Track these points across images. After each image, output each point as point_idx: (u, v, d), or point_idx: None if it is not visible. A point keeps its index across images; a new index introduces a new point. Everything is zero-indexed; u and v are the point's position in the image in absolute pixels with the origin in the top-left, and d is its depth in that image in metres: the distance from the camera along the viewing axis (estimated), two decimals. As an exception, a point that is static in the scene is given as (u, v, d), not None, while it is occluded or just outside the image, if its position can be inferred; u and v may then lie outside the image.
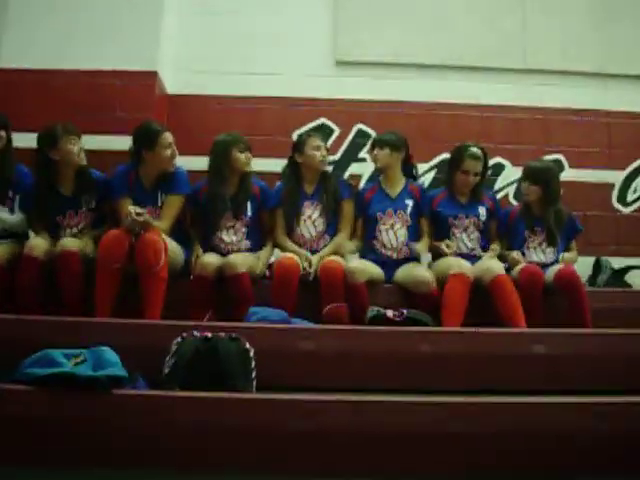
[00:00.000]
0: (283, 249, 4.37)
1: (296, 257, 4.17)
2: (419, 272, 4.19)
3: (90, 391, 2.70)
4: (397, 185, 4.54)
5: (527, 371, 3.43)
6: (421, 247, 4.36)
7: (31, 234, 4.21)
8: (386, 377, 3.38)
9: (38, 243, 3.97)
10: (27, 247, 3.93)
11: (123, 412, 2.74)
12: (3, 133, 4.14)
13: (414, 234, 4.45)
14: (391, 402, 2.89)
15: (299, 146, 4.48)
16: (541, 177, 4.44)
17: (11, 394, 2.72)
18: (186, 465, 2.64)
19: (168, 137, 4.21)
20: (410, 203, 4.48)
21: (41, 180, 4.16)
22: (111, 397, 2.74)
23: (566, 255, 4.44)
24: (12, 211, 4.18)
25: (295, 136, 5.02)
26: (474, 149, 4.45)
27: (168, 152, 4.19)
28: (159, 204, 4.23)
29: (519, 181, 4.65)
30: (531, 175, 4.46)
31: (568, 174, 5.38)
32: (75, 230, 4.20)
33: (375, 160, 4.55)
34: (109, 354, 2.88)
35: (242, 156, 4.33)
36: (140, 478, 2.55)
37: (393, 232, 4.42)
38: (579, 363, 3.46)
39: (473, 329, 3.69)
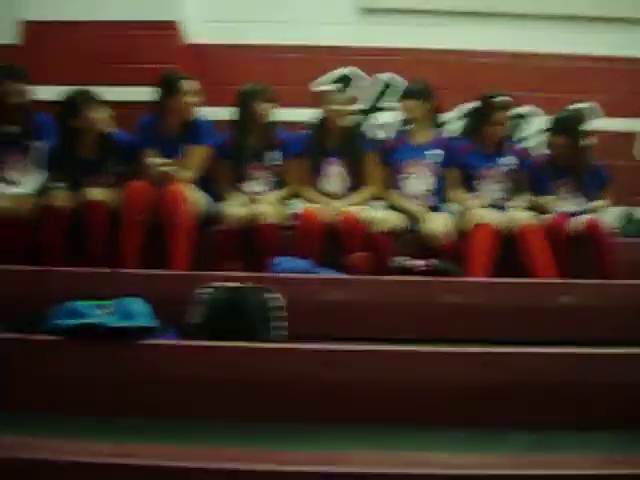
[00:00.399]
0: (307, 199, 4.37)
1: (318, 208, 4.16)
2: (431, 225, 4.14)
3: (119, 340, 2.75)
4: (424, 135, 4.49)
5: (553, 322, 3.42)
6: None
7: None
8: (409, 327, 3.39)
9: (62, 194, 3.98)
10: (51, 197, 3.94)
11: (152, 361, 2.78)
12: (23, 87, 4.16)
13: (439, 184, 4.42)
14: (414, 352, 2.89)
15: (321, 100, 4.46)
16: (564, 127, 4.39)
17: (41, 344, 2.76)
18: (216, 414, 2.67)
19: (189, 84, 4.20)
20: (436, 153, 4.44)
21: (63, 145, 4.18)
22: (140, 346, 2.78)
23: (592, 204, 4.36)
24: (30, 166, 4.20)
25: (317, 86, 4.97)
26: (502, 99, 4.38)
27: (189, 99, 4.18)
28: (183, 154, 4.22)
29: (548, 129, 4.57)
30: (555, 125, 4.41)
31: (600, 123, 5.26)
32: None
33: (403, 110, 4.51)
34: (138, 304, 2.92)
35: (264, 107, 4.32)
36: (171, 427, 2.58)
37: (418, 181, 4.39)
38: (604, 314, 3.45)
39: (495, 279, 3.68)
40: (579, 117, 4.60)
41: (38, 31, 4.86)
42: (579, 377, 2.77)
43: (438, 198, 4.41)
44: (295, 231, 4.05)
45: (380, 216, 4.14)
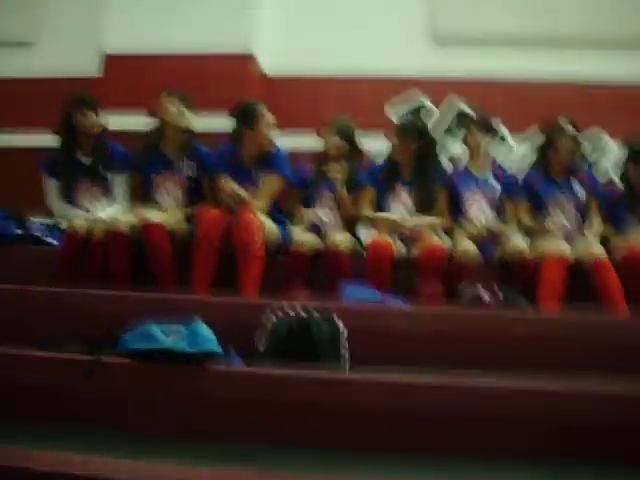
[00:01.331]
0: (372, 222, 4.38)
1: (389, 238, 4.16)
2: (519, 242, 4.14)
3: (187, 365, 2.78)
4: (482, 166, 4.51)
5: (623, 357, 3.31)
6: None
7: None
8: (480, 359, 3.33)
9: (127, 218, 4.10)
10: (115, 223, 4.05)
11: (218, 386, 2.81)
12: (96, 117, 4.37)
13: (500, 214, 4.43)
14: (488, 387, 2.84)
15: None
16: None
17: (114, 367, 2.82)
18: (281, 441, 2.67)
19: (268, 115, 4.27)
20: (495, 184, 4.46)
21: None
22: (206, 371, 2.81)
23: None
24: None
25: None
26: (567, 127, 4.36)
27: (266, 130, 4.25)
28: (258, 183, 4.31)
29: (625, 161, 4.48)
30: (635, 155, 4.30)
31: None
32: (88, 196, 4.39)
33: (468, 142, 4.53)
34: (204, 330, 2.93)
35: (330, 140, 4.41)
36: (235, 452, 2.60)
37: (479, 212, 4.40)
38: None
39: (569, 313, 3.62)
40: None
41: (118, 64, 5.04)
42: None
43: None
44: (366, 261, 4.06)
45: (469, 249, 4.10)
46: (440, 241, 4.14)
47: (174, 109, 4.34)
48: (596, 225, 4.36)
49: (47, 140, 4.65)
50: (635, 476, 2.52)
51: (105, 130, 4.47)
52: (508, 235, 4.23)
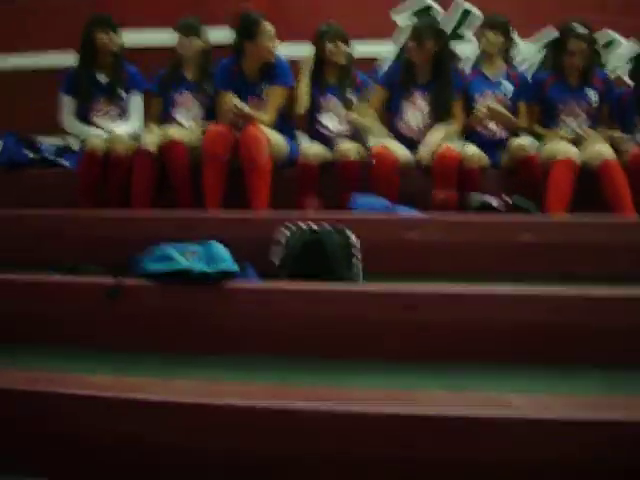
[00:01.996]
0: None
1: (392, 146, 4.13)
2: (518, 140, 4.17)
3: (204, 284, 2.88)
4: (497, 67, 4.46)
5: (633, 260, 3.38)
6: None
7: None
8: (489, 266, 3.41)
9: (152, 138, 4.12)
10: (142, 141, 4.10)
11: (235, 303, 2.92)
12: (113, 35, 4.36)
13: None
14: (489, 295, 2.93)
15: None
16: None
17: (132, 289, 2.92)
18: (294, 352, 2.80)
19: (268, 26, 4.23)
20: (509, 86, 4.42)
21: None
22: (223, 290, 2.91)
23: None
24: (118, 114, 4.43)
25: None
26: (579, 28, 4.25)
27: (269, 42, 4.22)
28: (263, 96, 4.29)
29: (634, 61, 4.41)
30: None
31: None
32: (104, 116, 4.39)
33: (482, 42, 4.47)
34: (220, 249, 3.02)
35: (331, 46, 4.34)
36: (251, 364, 2.73)
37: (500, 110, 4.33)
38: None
39: (575, 219, 3.69)
40: None
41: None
42: None
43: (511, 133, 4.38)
44: (371, 170, 4.06)
45: (477, 152, 4.11)
46: (453, 147, 4.12)
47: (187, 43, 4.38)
48: (606, 128, 4.33)
49: (52, 60, 4.66)
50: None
51: (122, 50, 4.46)
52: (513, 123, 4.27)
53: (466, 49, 5.09)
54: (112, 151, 4.06)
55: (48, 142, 4.66)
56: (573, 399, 2.40)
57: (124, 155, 4.06)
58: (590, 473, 2.10)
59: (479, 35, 4.55)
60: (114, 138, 4.12)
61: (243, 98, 4.20)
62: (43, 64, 5.16)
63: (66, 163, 4.46)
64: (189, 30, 4.42)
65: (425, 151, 4.16)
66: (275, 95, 4.28)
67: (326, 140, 4.34)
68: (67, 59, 4.65)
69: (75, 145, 4.49)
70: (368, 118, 4.35)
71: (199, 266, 2.91)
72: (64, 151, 4.58)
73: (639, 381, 2.59)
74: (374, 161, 4.08)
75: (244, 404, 2.21)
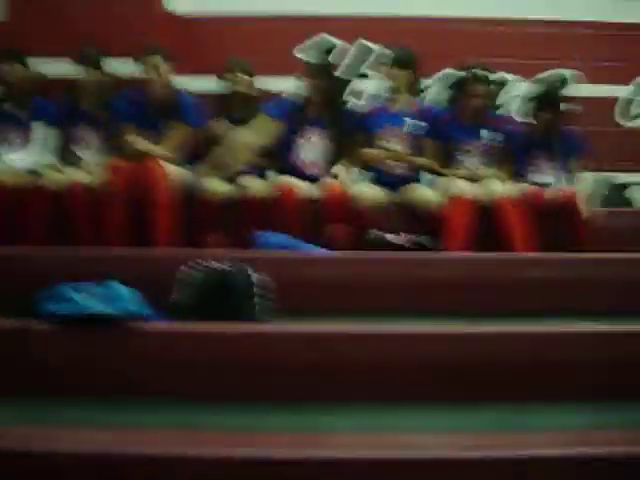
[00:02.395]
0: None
1: (293, 183, 4.21)
2: (424, 193, 4.25)
3: (105, 326, 2.82)
4: (402, 102, 4.55)
5: (523, 295, 3.53)
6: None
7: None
8: (386, 301, 3.49)
9: (54, 176, 4.05)
10: (45, 179, 4.02)
11: (137, 345, 2.87)
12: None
13: (415, 153, 4.49)
14: (395, 334, 2.99)
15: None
16: (547, 101, 4.46)
17: (33, 332, 2.83)
18: (195, 396, 2.76)
19: (153, 60, 4.25)
20: (411, 121, 4.49)
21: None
22: (125, 331, 2.85)
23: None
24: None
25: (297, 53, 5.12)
26: (477, 71, 4.44)
27: (167, 78, 4.28)
28: (163, 129, 4.29)
29: (527, 102, 4.61)
30: (538, 101, 4.46)
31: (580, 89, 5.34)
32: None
33: (388, 78, 4.55)
34: (121, 289, 2.97)
35: (234, 76, 4.42)
36: (157, 407, 2.68)
37: (395, 149, 4.45)
38: (576, 286, 3.56)
39: (465, 255, 3.84)
40: (560, 88, 4.72)
41: (24, 7, 4.84)
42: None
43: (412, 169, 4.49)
44: (274, 206, 4.10)
45: (365, 191, 4.20)
46: (341, 184, 4.21)
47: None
48: (503, 167, 4.50)
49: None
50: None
51: (30, 79, 4.41)
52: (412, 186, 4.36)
53: (369, 85, 5.22)
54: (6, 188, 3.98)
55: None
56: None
57: (12, 188, 3.98)
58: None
59: (384, 70, 4.62)
60: (14, 174, 4.05)
61: (145, 132, 4.20)
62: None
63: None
64: (89, 61, 4.35)
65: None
66: (176, 131, 4.29)
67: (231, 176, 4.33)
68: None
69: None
70: None
71: (97, 306, 2.85)
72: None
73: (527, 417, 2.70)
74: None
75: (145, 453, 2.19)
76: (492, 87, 4.58)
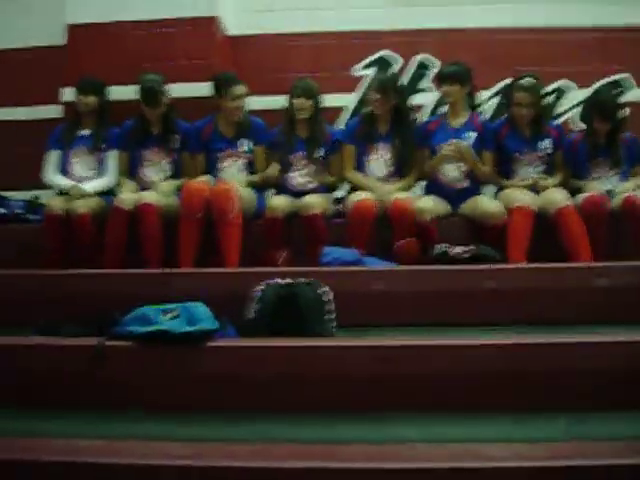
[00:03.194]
0: (355, 183, 4.53)
1: (372, 198, 4.29)
2: (487, 205, 4.29)
3: (185, 345, 2.95)
4: (461, 117, 4.59)
5: (591, 304, 3.55)
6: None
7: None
8: (453, 313, 3.56)
9: (128, 196, 4.21)
10: (117, 200, 4.18)
11: (216, 362, 2.99)
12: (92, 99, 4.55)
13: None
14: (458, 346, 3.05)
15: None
16: (613, 113, 4.44)
17: (114, 351, 2.98)
18: (273, 409, 2.87)
19: (237, 89, 4.42)
20: (472, 135, 4.53)
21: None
22: (204, 349, 2.98)
23: (626, 185, 4.41)
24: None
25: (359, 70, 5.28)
26: (523, 81, 4.47)
27: (234, 103, 4.42)
28: (239, 149, 4.49)
29: (585, 110, 4.62)
30: (604, 112, 4.43)
31: (633, 94, 5.34)
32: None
33: (443, 94, 4.60)
34: (201, 308, 3.11)
35: (296, 102, 4.49)
36: (229, 420, 2.80)
37: (455, 162, 4.50)
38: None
39: (535, 265, 3.84)
40: (617, 96, 4.71)
41: (81, 33, 5.01)
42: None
43: (472, 181, 4.53)
44: (349, 220, 4.22)
45: (429, 205, 4.26)
46: (403, 198, 4.27)
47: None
48: (560, 176, 4.52)
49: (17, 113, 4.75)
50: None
51: (105, 108, 4.63)
52: (476, 198, 4.41)
53: (426, 98, 5.32)
54: (72, 211, 4.15)
55: (17, 197, 4.73)
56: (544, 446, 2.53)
57: (85, 213, 4.15)
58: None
59: (442, 88, 4.65)
60: (75, 197, 4.24)
61: (220, 153, 4.47)
62: (6, 117, 5.22)
63: (36, 217, 4.52)
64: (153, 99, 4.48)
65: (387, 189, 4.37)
66: (257, 155, 4.51)
67: (294, 194, 4.46)
68: (30, 113, 4.84)
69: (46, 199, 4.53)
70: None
71: (180, 326, 2.99)
72: (33, 206, 4.64)
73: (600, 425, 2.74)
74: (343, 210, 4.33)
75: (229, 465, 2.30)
76: (543, 95, 4.56)
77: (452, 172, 4.51)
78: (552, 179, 4.47)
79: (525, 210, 4.14)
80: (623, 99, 4.86)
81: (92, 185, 4.40)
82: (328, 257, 3.93)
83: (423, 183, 4.66)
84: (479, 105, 4.77)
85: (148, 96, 4.44)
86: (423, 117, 5.15)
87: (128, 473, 2.34)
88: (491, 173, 4.53)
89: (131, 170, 4.56)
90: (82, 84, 4.57)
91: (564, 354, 2.95)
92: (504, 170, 4.55)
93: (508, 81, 4.76)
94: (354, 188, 4.55)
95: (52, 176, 4.49)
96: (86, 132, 4.59)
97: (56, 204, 4.18)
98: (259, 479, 2.34)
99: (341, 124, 5.09)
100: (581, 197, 4.28)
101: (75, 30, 5.03)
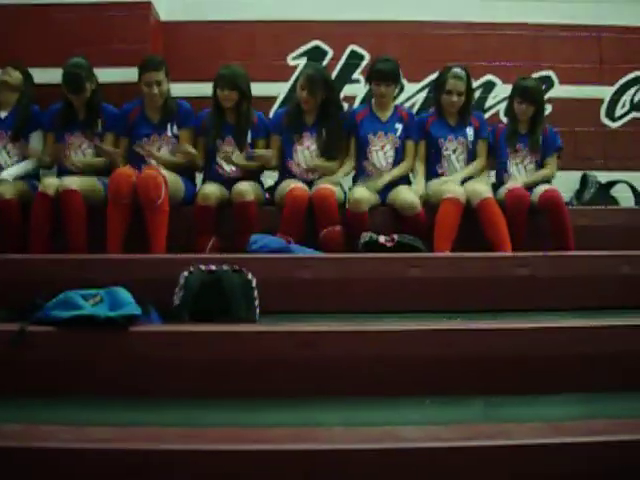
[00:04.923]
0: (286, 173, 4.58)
1: (305, 187, 4.34)
2: (405, 195, 4.37)
3: (108, 329, 2.94)
4: (388, 109, 4.69)
5: (511, 293, 3.66)
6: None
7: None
8: (378, 301, 3.62)
9: (51, 181, 4.15)
10: (41, 185, 4.13)
11: (139, 346, 2.99)
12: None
13: (402, 156, 4.65)
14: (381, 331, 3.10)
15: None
16: (536, 97, 4.59)
17: (37, 336, 2.94)
18: (196, 394, 2.88)
19: (149, 76, 4.39)
20: (399, 127, 4.65)
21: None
22: (127, 334, 2.97)
23: (541, 173, 4.61)
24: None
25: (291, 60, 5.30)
26: (456, 69, 4.57)
27: (147, 89, 4.40)
28: (167, 133, 4.48)
29: (510, 99, 4.76)
30: (527, 95, 4.57)
31: (557, 91, 5.50)
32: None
33: (376, 93, 4.63)
34: (123, 293, 3.10)
35: (222, 94, 4.48)
36: (159, 406, 2.81)
37: (383, 153, 4.61)
38: (561, 284, 3.69)
39: (457, 254, 3.95)
40: (541, 85, 4.89)
41: (13, 15, 4.92)
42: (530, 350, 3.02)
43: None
44: (281, 209, 4.25)
45: (365, 195, 4.31)
46: (331, 187, 4.33)
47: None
48: (481, 165, 4.67)
49: None
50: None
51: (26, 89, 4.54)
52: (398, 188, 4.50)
53: (357, 89, 5.39)
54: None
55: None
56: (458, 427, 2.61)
57: (11, 198, 4.10)
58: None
59: (370, 85, 4.71)
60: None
61: (146, 138, 4.47)
62: None
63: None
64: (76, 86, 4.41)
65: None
66: (182, 138, 4.48)
67: (223, 181, 4.47)
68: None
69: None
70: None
71: (103, 311, 2.98)
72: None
73: (516, 408, 2.84)
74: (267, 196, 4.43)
75: (154, 448, 2.32)
76: (470, 86, 4.65)
77: (381, 161, 4.60)
78: (472, 167, 4.62)
79: (455, 201, 4.23)
80: (547, 95, 5.00)
81: (10, 172, 4.32)
82: (256, 244, 3.95)
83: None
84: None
85: (71, 83, 4.37)
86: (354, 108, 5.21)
87: (51, 456, 2.32)
88: (411, 166, 4.67)
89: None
90: (11, 62, 4.48)
91: (481, 340, 3.02)
92: (431, 158, 4.66)
93: (435, 75, 4.84)
94: (282, 177, 4.60)
95: None
96: (3, 114, 4.50)
97: None
98: (184, 462, 2.34)
99: (272, 113, 5.10)
100: (503, 189, 4.42)
101: (4, 11, 4.95)
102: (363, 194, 4.31)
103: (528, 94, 4.58)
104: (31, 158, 4.46)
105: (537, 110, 4.60)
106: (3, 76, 4.47)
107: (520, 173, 4.61)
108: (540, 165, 4.66)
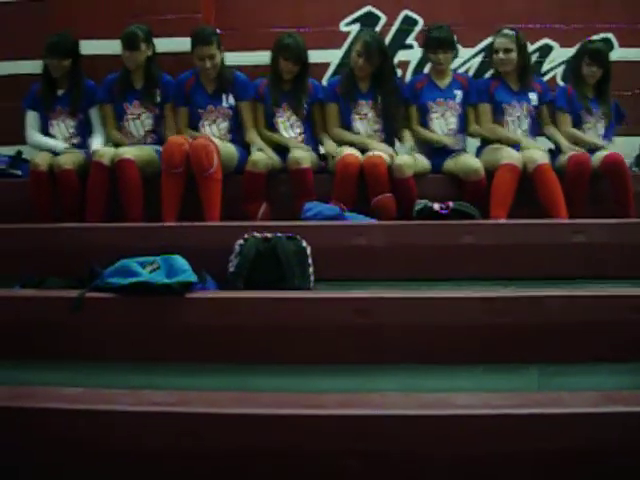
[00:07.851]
0: (340, 141, 4.52)
1: (358, 154, 4.29)
2: (469, 161, 4.33)
3: (165, 296, 3.00)
4: (446, 76, 4.65)
5: (567, 260, 3.61)
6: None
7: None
8: (431, 269, 3.61)
9: (106, 151, 4.21)
10: (96, 154, 4.17)
11: (195, 313, 3.04)
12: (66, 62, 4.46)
13: (463, 123, 4.60)
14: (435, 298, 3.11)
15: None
16: (605, 61, 4.52)
17: (95, 302, 3.02)
18: (252, 360, 2.95)
19: (201, 50, 4.36)
20: (459, 93, 4.60)
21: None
22: (183, 301, 3.03)
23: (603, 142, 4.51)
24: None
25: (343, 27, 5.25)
26: (504, 29, 4.52)
27: (200, 63, 4.39)
28: (223, 104, 4.49)
29: (576, 60, 4.66)
30: (597, 57, 4.50)
31: (617, 53, 5.34)
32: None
33: (440, 62, 4.59)
34: (180, 261, 3.15)
35: (285, 66, 4.46)
36: (212, 372, 2.89)
37: (444, 120, 4.57)
38: (618, 251, 3.62)
39: (512, 221, 3.92)
40: (607, 48, 4.76)
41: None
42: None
43: (462, 138, 4.62)
44: (335, 175, 4.22)
45: (409, 161, 4.26)
46: (382, 154, 4.28)
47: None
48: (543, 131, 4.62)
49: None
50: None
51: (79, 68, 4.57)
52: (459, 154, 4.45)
53: (410, 55, 5.31)
54: (57, 166, 4.16)
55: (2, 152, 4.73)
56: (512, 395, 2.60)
57: (69, 169, 4.18)
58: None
59: (427, 54, 4.69)
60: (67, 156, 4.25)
61: (201, 109, 4.48)
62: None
63: (19, 172, 4.53)
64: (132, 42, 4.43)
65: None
66: (243, 109, 4.49)
67: (279, 148, 4.46)
68: (11, 67, 4.87)
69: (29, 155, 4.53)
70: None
71: (160, 278, 3.03)
72: (17, 161, 4.63)
73: (571, 377, 2.82)
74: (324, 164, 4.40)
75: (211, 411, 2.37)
76: (524, 45, 4.57)
77: (443, 128, 4.57)
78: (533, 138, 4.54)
79: (512, 167, 4.18)
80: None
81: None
82: (310, 212, 3.96)
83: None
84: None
85: (127, 38, 4.39)
86: (407, 73, 5.16)
87: (112, 419, 2.39)
88: (474, 130, 4.61)
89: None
90: (54, 47, 4.43)
91: (536, 308, 3.00)
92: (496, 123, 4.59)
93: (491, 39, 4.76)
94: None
95: (38, 138, 4.47)
96: (62, 92, 4.54)
97: (41, 160, 4.18)
98: (241, 426, 2.38)
99: (325, 80, 5.07)
100: (566, 156, 4.33)
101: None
102: (406, 159, 4.27)
103: (599, 56, 4.51)
104: (97, 132, 4.53)
105: (605, 74, 4.52)
106: (52, 65, 4.47)
107: (592, 137, 4.52)
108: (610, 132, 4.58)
